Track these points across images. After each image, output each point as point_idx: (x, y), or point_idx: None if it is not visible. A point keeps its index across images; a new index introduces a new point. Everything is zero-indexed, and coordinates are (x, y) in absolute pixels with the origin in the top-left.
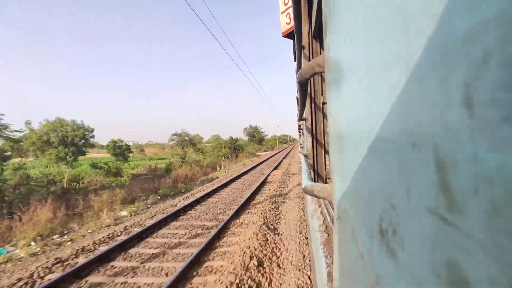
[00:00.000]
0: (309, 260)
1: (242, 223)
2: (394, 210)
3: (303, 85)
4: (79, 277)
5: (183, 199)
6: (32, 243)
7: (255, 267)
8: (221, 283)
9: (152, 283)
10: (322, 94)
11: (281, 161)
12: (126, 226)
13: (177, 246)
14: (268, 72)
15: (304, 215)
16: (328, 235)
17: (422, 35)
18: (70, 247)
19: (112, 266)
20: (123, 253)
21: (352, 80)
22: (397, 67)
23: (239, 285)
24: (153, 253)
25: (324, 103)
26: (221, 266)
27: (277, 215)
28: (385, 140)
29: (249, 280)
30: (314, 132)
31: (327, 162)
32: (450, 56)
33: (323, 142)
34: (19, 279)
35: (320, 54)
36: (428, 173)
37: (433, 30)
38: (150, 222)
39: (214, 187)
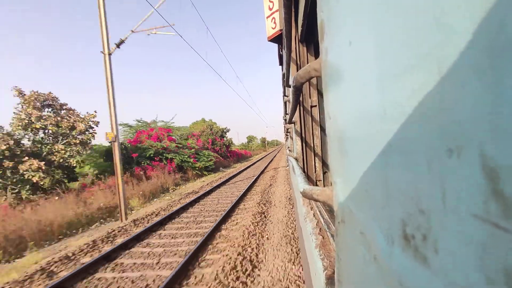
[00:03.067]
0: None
1: (280, 150)
2: (423, 214)
3: (298, 90)
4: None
5: (266, 151)
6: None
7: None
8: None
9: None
10: (310, 98)
11: (280, 149)
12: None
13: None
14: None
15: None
16: (323, 237)
17: (457, 34)
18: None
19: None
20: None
21: (359, 82)
22: (423, 69)
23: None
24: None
25: (312, 106)
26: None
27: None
28: (407, 142)
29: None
30: (303, 135)
31: (316, 165)
32: (500, 55)
33: (312, 145)
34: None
35: (307, 58)
36: (472, 179)
37: (472, 28)
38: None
39: (271, 151)
